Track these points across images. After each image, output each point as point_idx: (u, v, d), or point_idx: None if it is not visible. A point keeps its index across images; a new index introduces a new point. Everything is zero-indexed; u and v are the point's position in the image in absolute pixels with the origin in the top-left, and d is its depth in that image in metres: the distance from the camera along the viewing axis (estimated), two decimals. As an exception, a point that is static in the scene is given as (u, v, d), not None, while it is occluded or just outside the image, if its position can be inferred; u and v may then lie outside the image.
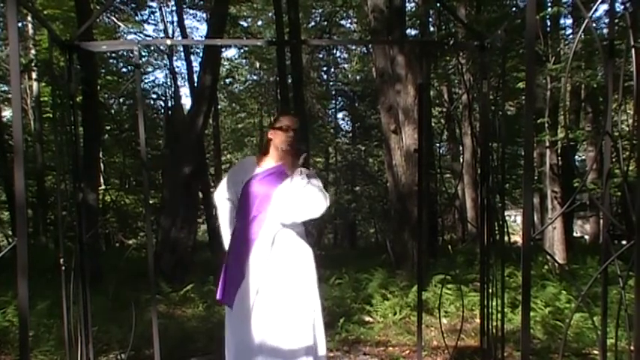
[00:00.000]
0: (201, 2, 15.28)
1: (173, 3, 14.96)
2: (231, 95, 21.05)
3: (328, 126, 20.15)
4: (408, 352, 4.18)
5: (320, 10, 18.08)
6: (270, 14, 16.62)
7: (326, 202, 2.61)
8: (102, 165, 14.98)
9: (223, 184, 2.77)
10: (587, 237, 14.79)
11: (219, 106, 18.78)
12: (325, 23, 18.08)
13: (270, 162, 2.68)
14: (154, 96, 18.80)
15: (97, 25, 12.74)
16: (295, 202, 2.56)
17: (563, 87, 6.43)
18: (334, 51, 19.71)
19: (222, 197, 2.75)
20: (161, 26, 16.47)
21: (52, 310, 4.79)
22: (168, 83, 18.17)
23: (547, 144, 8.09)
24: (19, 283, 1.99)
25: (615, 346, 2.18)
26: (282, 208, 2.58)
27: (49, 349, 4.04)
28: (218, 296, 2.66)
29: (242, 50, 19.01)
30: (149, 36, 16.95)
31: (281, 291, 2.55)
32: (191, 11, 16.40)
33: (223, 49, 16.29)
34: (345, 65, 21.45)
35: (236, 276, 2.58)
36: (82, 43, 2.87)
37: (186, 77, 14.51)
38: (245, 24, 17.47)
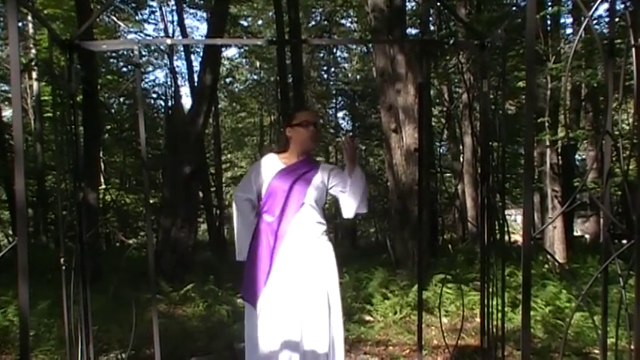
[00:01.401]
0: (202, 1, 15.26)
1: (173, 2, 14.94)
2: (232, 95, 21.04)
3: (328, 125, 20.13)
4: (408, 351, 4.18)
5: (320, 10, 18.06)
6: (270, 14, 16.60)
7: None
8: (102, 164, 14.97)
9: (245, 183, 2.73)
10: (587, 236, 14.76)
11: (220, 106, 18.76)
12: (325, 22, 18.06)
13: (291, 158, 2.67)
14: (154, 95, 18.77)
15: (97, 25, 12.71)
16: (364, 194, 2.66)
17: (564, 86, 6.43)
18: (334, 50, 19.69)
19: (241, 197, 2.71)
20: (161, 26, 16.45)
21: (52, 309, 4.79)
22: (169, 83, 18.15)
23: (547, 143, 8.09)
24: (19, 282, 2.00)
25: (615, 345, 2.17)
26: (356, 199, 2.62)
27: (49, 349, 4.04)
28: (241, 294, 2.67)
29: (242, 50, 19.00)
30: (149, 35, 16.96)
31: (309, 293, 2.51)
32: (191, 10, 16.38)
33: (223, 49, 16.29)
34: (346, 65, 21.43)
35: (261, 273, 2.53)
36: (82, 43, 2.87)
37: (187, 77, 14.49)
38: (245, 23, 17.44)
